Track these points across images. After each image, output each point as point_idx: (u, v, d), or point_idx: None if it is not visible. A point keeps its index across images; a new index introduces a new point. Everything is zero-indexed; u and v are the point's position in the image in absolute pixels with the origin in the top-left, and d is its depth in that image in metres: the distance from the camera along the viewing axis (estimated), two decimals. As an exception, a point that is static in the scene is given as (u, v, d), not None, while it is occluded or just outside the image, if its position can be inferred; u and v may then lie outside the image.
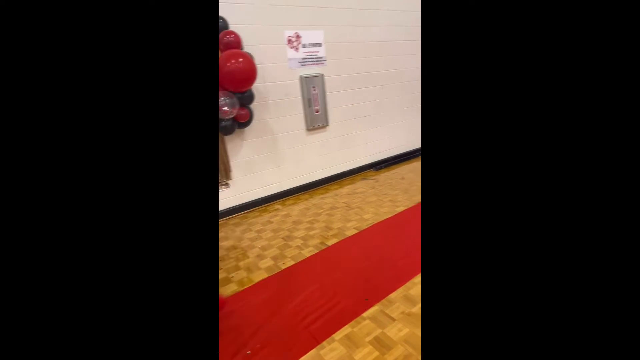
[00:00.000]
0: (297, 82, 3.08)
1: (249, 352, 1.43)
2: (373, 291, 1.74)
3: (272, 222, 2.75)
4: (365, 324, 1.52)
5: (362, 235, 2.37)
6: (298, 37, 2.98)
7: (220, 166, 2.78)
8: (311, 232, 2.49)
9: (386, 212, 2.70)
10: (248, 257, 2.24)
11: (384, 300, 1.66)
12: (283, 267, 2.07)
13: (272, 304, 1.72)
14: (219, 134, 2.65)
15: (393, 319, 1.53)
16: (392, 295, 1.69)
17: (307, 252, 2.21)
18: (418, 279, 1.79)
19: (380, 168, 3.91)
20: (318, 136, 3.40)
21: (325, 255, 2.16)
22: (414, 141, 4.30)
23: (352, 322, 1.54)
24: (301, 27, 2.98)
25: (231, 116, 2.54)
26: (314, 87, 3.18)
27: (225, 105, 2.44)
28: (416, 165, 3.87)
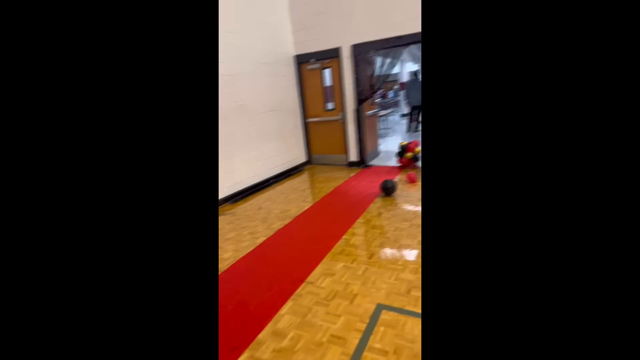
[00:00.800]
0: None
1: None
2: (240, 337, 1.61)
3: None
4: (235, 379, 1.37)
5: (221, 278, 2.20)
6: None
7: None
8: (162, 288, 2.13)
9: (247, 246, 2.62)
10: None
11: (252, 344, 1.55)
12: (125, 343, 1.66)
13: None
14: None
15: (264, 362, 1.45)
16: (261, 336, 1.61)
17: (158, 314, 1.86)
18: (284, 309, 1.78)
19: (237, 200, 3.82)
20: (160, 175, 3.01)
21: (181, 312, 1.87)
22: (267, 170, 4.44)
23: (220, 382, 1.36)
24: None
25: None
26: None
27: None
28: (272, 194, 3.98)
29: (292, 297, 1.88)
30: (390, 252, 2.26)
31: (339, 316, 1.68)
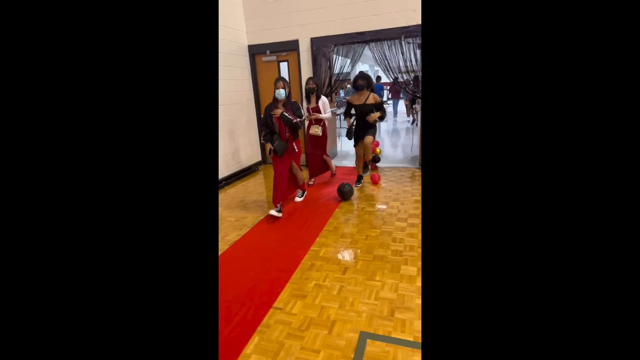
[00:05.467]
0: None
1: None
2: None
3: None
4: None
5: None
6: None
7: None
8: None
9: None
10: None
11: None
12: None
13: None
14: None
15: None
16: (223, 389, 1.27)
17: None
18: (250, 348, 1.46)
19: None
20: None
21: None
22: (218, 171, 3.98)
23: None
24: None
25: None
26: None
27: None
28: (223, 198, 3.56)
29: (259, 329, 1.57)
30: (366, 265, 2.06)
31: (318, 352, 1.42)
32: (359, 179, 3.68)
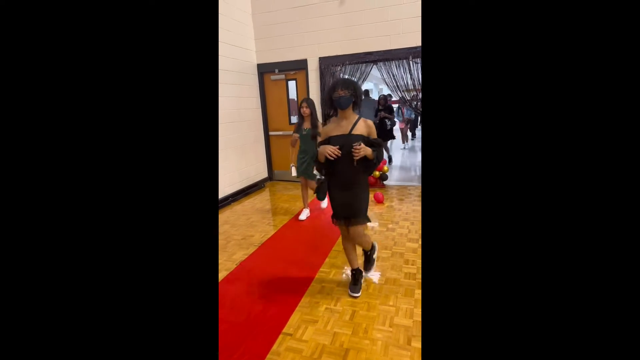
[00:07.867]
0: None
1: None
2: None
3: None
4: None
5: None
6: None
7: None
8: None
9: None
10: None
11: None
12: None
13: None
14: None
15: None
16: None
17: None
18: (260, 377, 1.38)
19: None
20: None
21: None
22: (224, 187, 3.96)
23: None
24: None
25: None
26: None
27: None
28: (230, 215, 3.51)
29: (268, 356, 1.49)
30: (378, 289, 1.99)
31: (332, 383, 1.34)
32: (355, 279, 1.96)
